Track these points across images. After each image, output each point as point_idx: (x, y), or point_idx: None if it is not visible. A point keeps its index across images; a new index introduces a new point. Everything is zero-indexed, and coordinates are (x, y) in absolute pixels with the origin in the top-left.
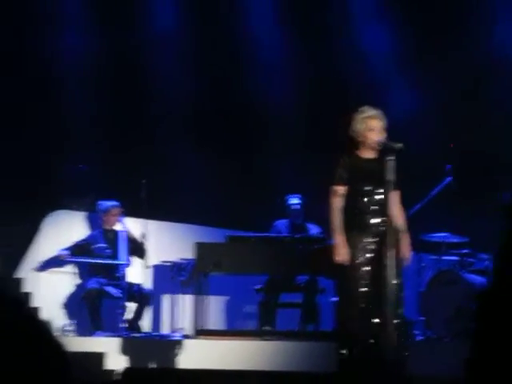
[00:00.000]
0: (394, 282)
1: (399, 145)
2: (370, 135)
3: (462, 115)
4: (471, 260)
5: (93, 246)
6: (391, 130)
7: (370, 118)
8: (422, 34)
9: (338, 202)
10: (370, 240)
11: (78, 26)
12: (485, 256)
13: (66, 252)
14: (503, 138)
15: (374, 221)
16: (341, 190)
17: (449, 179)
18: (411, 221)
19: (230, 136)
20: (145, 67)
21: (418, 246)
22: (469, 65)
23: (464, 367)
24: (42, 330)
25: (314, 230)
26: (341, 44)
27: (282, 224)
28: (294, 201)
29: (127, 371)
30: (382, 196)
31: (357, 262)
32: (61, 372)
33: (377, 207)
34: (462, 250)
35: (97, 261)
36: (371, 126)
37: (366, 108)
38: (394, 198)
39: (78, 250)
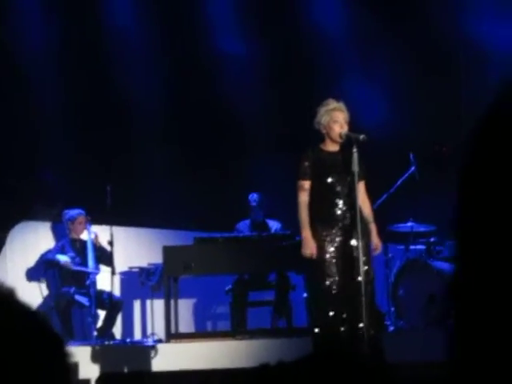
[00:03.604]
0: (365, 271)
1: (362, 136)
2: (335, 127)
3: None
4: (439, 248)
5: None
6: (354, 120)
7: (334, 110)
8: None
9: (304, 197)
10: (337, 232)
11: (35, 18)
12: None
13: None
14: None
15: (339, 213)
16: (306, 184)
17: (412, 168)
18: (377, 212)
19: (194, 138)
20: (107, 66)
21: (384, 236)
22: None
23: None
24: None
25: (275, 225)
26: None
27: (243, 224)
28: (253, 198)
29: (103, 377)
30: (347, 188)
31: (324, 254)
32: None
33: (342, 199)
34: (429, 239)
35: (80, 268)
36: (335, 118)
37: (329, 100)
38: (361, 189)
39: (49, 263)
